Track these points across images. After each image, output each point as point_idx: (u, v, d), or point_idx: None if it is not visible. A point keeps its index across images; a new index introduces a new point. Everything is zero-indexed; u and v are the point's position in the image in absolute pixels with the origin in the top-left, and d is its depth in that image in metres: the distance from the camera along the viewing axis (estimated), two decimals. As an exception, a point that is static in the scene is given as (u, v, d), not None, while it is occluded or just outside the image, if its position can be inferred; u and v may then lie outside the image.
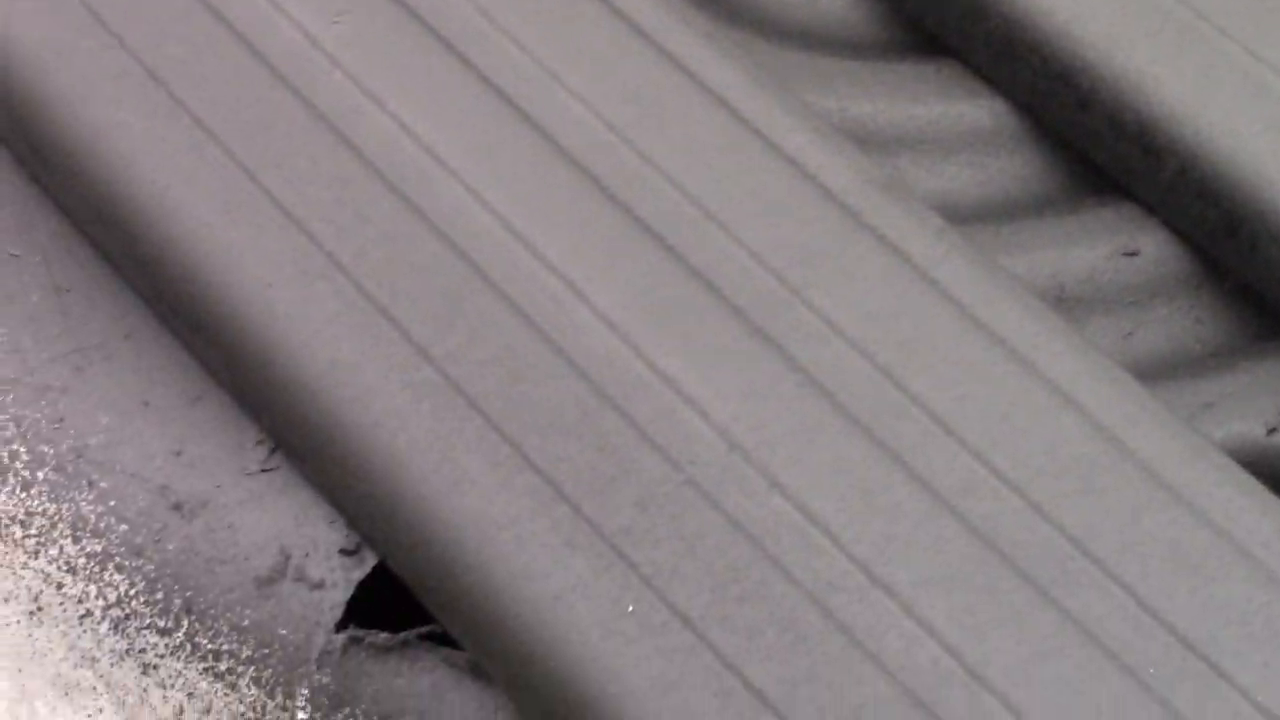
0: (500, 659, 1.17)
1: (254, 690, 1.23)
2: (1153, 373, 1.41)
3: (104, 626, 1.27)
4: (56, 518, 1.27)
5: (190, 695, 1.26)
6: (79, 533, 1.27)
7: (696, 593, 1.13)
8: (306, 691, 1.22)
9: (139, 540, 1.26)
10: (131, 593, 1.25)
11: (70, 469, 1.28)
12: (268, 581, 1.24)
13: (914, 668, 1.10)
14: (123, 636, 1.27)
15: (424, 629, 1.22)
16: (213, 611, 1.24)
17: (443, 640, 1.22)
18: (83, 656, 1.30)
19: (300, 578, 1.24)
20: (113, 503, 1.27)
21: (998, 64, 1.57)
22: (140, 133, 1.33)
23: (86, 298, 1.36)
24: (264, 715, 1.24)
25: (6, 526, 1.28)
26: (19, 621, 1.32)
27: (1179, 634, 1.13)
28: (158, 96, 1.35)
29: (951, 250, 1.30)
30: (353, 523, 1.25)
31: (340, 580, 1.24)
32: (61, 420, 1.30)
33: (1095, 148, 1.51)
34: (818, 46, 1.61)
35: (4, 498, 1.28)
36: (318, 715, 1.22)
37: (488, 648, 1.17)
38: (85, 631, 1.28)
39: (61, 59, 1.39)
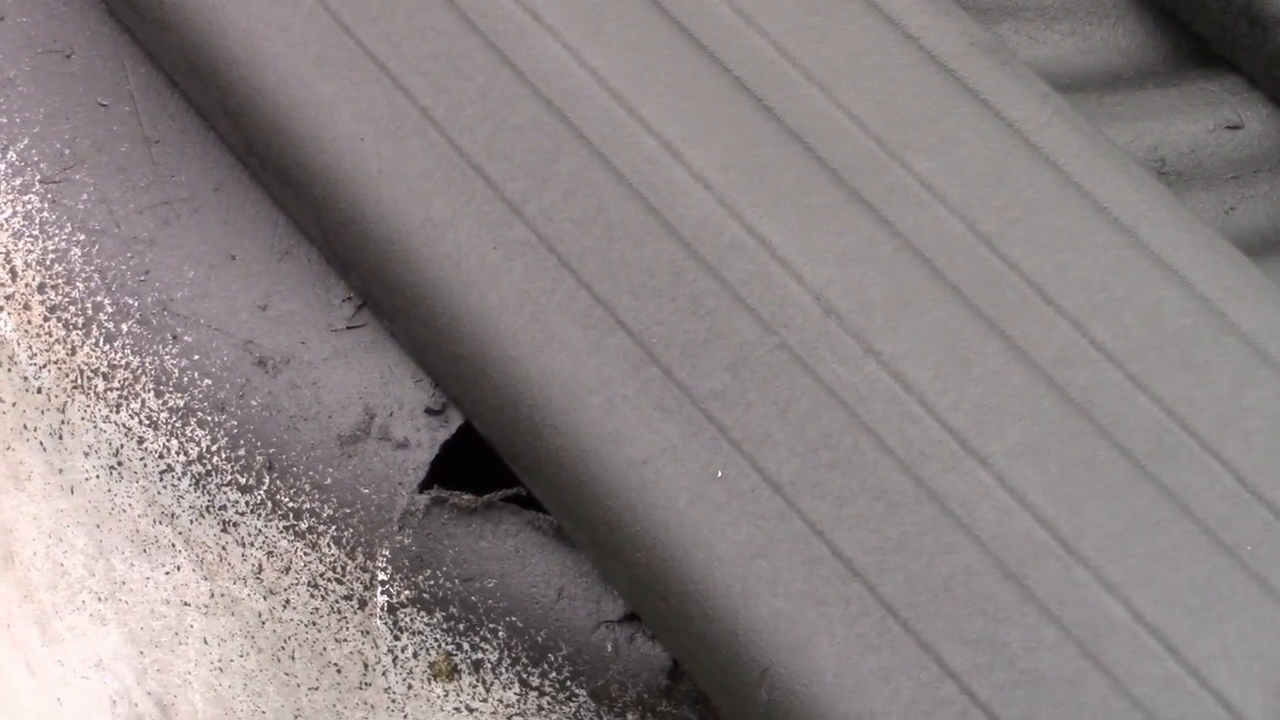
0: (586, 523, 1.16)
1: (334, 550, 1.23)
2: (1254, 248, 1.40)
3: (184, 482, 1.27)
4: (139, 371, 1.27)
5: (270, 554, 1.26)
6: (161, 387, 1.26)
7: (787, 459, 1.12)
8: (387, 552, 1.21)
9: (222, 395, 1.25)
10: (213, 449, 1.25)
11: (154, 322, 1.27)
12: (351, 440, 1.23)
13: (1006, 539, 1.09)
14: (203, 493, 1.27)
15: (508, 491, 1.21)
16: (295, 469, 1.24)
17: (527, 503, 1.21)
18: (162, 512, 1.30)
19: (384, 437, 1.23)
20: (196, 357, 1.26)
21: (1102, -69, 1.56)
22: (233, -18, 1.32)
23: (176, 149, 1.35)
24: (344, 575, 1.24)
25: (89, 379, 1.28)
26: (98, 476, 1.33)
27: (1278, 511, 1.11)
28: (250, -55, 1.34)
29: (1055, 116, 1.27)
30: (439, 382, 1.24)
31: (425, 440, 1.23)
32: (147, 272, 1.29)
33: (1200, 19, 1.50)
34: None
35: (87, 350, 1.28)
36: (398, 576, 1.22)
37: (573, 512, 1.17)
38: (165, 487, 1.28)
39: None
